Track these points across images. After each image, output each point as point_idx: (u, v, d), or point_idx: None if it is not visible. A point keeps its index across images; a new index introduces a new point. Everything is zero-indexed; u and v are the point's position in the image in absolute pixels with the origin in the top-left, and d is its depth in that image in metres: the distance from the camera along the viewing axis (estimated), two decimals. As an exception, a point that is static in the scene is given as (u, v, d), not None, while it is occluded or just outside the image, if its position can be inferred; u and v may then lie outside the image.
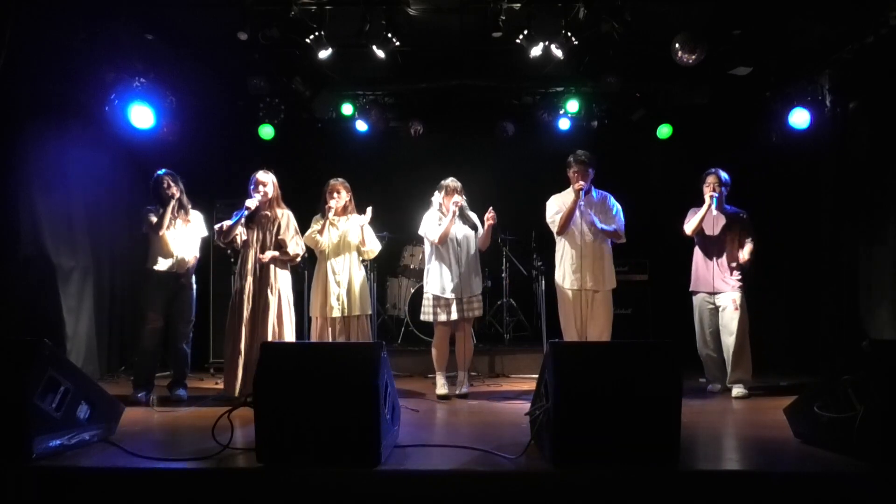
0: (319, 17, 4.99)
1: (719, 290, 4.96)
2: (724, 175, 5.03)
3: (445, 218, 4.90)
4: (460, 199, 4.90)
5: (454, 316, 4.85)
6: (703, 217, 5.00)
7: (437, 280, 4.93)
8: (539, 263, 6.42)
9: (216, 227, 4.71)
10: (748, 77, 6.04)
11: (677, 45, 5.01)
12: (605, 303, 4.89)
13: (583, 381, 2.95)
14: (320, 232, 4.85)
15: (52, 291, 5.23)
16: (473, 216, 5.06)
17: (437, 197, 5.02)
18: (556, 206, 4.98)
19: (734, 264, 4.95)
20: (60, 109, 5.34)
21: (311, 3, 4.94)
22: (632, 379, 2.97)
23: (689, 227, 5.07)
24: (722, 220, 5.02)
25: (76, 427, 3.20)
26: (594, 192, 5.02)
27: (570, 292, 4.91)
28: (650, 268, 7.00)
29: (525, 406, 3.84)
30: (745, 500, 2.81)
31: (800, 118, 5.77)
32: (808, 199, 6.04)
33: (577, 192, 4.84)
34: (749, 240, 4.98)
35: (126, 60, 5.43)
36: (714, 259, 5.01)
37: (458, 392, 4.90)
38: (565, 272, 4.94)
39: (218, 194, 6.33)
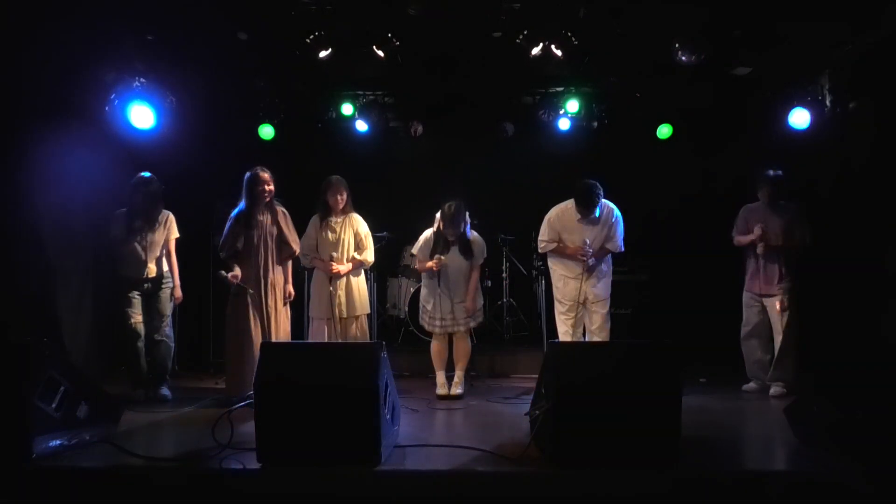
0: (319, 17, 4.99)
1: (766, 293, 4.95)
2: (772, 174, 5.02)
3: (430, 250, 4.86)
4: (442, 260, 4.81)
5: (458, 328, 4.90)
6: (749, 244, 5.00)
7: (428, 297, 4.99)
8: (539, 263, 6.42)
9: (221, 253, 4.72)
10: (748, 77, 6.04)
11: (677, 45, 5.01)
12: (602, 308, 4.89)
13: (583, 381, 2.95)
14: (316, 243, 4.89)
15: (52, 291, 5.23)
16: (475, 236, 4.98)
17: (439, 217, 4.95)
18: (549, 233, 4.99)
19: (782, 268, 4.91)
20: (60, 109, 5.33)
21: (312, 3, 4.94)
22: (632, 379, 2.97)
23: (736, 242, 5.11)
24: (772, 224, 4.96)
25: (76, 427, 3.20)
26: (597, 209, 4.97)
27: (567, 302, 4.92)
28: (650, 268, 7.01)
29: (525, 406, 3.83)
30: (745, 500, 2.81)
31: (800, 118, 5.76)
32: (808, 199, 6.03)
33: (581, 259, 4.82)
34: (798, 234, 4.91)
35: (126, 60, 5.43)
36: (762, 262, 4.98)
37: (453, 392, 4.89)
38: (561, 279, 4.94)
39: (218, 194, 6.32)
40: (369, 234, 5.01)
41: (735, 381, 5.27)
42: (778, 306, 4.88)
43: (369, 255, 4.95)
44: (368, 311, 5.01)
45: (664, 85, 6.32)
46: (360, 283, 4.93)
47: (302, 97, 6.47)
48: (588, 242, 4.82)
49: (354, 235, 4.91)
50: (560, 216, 5.00)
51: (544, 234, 5.02)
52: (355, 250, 4.91)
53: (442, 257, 4.81)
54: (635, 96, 6.68)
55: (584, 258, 4.80)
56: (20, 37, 4.55)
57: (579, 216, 4.92)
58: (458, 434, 3.77)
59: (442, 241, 4.88)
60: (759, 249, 4.92)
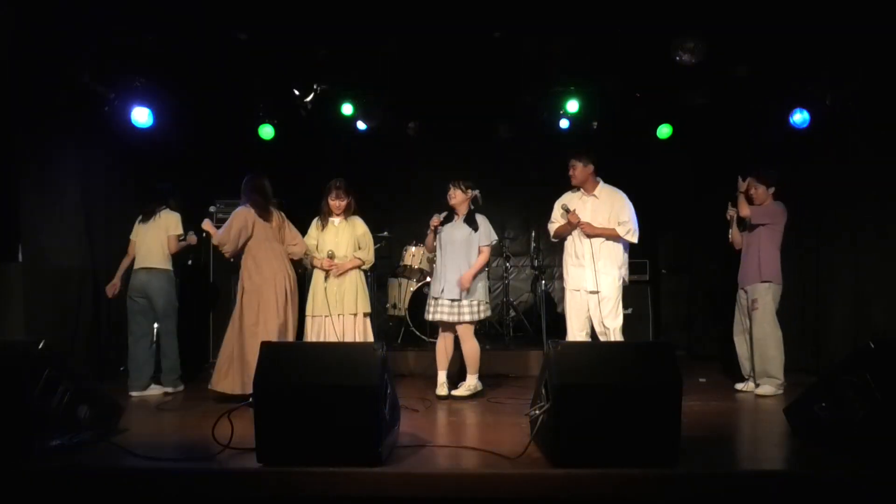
0: (320, 17, 4.99)
1: (744, 285, 5.04)
2: (765, 173, 5.07)
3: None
4: (438, 218, 4.89)
5: (441, 317, 4.80)
6: (733, 231, 5.17)
7: (433, 280, 4.98)
8: (539, 263, 6.43)
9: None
10: (748, 77, 6.04)
11: (677, 45, 5.01)
12: (610, 296, 4.82)
13: (583, 381, 2.95)
14: (317, 243, 4.90)
15: (52, 292, 5.23)
16: (482, 220, 4.97)
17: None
18: (555, 213, 5.00)
19: (760, 263, 4.93)
20: (60, 109, 5.34)
21: (312, 4, 4.94)
22: (632, 379, 2.97)
23: (731, 238, 5.25)
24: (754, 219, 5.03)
25: (76, 427, 3.20)
26: (601, 186, 4.91)
27: (570, 292, 4.91)
28: (650, 268, 7.02)
29: (525, 406, 3.83)
30: (745, 500, 2.81)
31: (800, 118, 5.77)
32: (808, 199, 6.04)
33: (571, 223, 4.78)
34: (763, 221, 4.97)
35: (126, 60, 5.43)
36: (743, 254, 5.09)
37: (454, 393, 4.85)
38: (566, 271, 4.95)
39: (218, 194, 6.33)
40: (368, 233, 5.00)
41: (734, 382, 5.26)
42: (753, 304, 4.90)
43: (368, 255, 4.94)
44: (368, 310, 4.98)
45: (664, 85, 6.33)
46: (358, 282, 4.90)
47: (301, 97, 6.46)
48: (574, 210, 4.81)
49: (354, 237, 4.91)
50: (567, 196, 5.01)
51: (553, 217, 5.03)
52: (355, 251, 4.91)
53: (440, 216, 4.90)
54: (635, 96, 6.69)
55: (574, 218, 4.75)
56: (20, 36, 4.55)
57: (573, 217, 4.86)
58: (458, 434, 3.77)
59: (448, 212, 4.94)
60: (732, 211, 5.05)
